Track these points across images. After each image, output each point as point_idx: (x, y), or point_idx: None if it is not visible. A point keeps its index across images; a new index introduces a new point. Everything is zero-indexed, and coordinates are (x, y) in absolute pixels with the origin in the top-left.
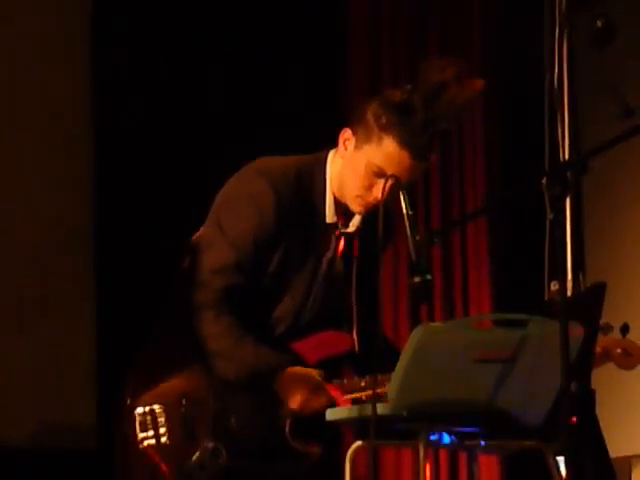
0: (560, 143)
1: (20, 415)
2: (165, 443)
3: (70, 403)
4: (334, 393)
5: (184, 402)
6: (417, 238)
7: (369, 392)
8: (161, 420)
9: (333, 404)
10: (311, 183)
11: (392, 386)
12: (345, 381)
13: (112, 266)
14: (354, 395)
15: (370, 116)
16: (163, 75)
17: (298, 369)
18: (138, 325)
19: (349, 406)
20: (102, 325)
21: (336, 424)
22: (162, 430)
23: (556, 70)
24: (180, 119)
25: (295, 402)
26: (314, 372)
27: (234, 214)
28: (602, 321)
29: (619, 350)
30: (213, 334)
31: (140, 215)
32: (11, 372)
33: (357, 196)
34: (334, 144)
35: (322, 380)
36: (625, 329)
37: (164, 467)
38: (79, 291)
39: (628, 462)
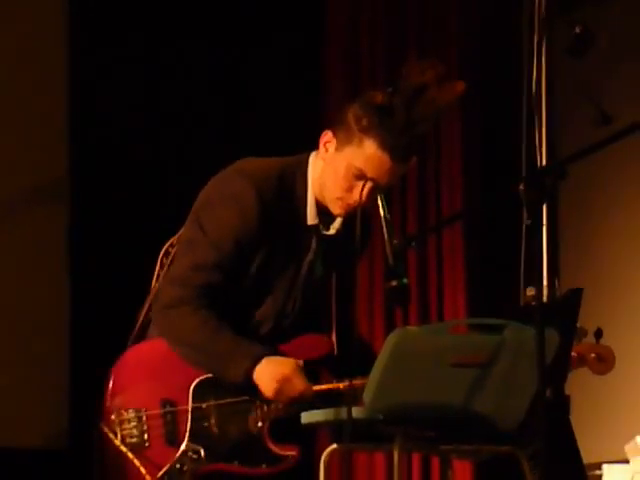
0: (537, 149)
1: None
2: (145, 446)
3: (42, 403)
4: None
5: (165, 406)
6: (394, 242)
7: (346, 383)
8: (142, 423)
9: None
10: (293, 185)
11: (368, 390)
12: (323, 384)
13: (87, 268)
14: (331, 385)
15: (351, 118)
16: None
17: (274, 358)
18: (113, 325)
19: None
20: (76, 324)
21: (312, 427)
22: (143, 434)
23: (534, 75)
24: (160, 120)
25: (269, 390)
26: (291, 360)
27: (215, 214)
28: (577, 325)
29: (593, 355)
30: (190, 327)
31: (118, 218)
32: None
33: (337, 198)
34: (315, 146)
35: (301, 367)
36: (599, 334)
37: (144, 470)
38: (54, 289)
39: (600, 468)
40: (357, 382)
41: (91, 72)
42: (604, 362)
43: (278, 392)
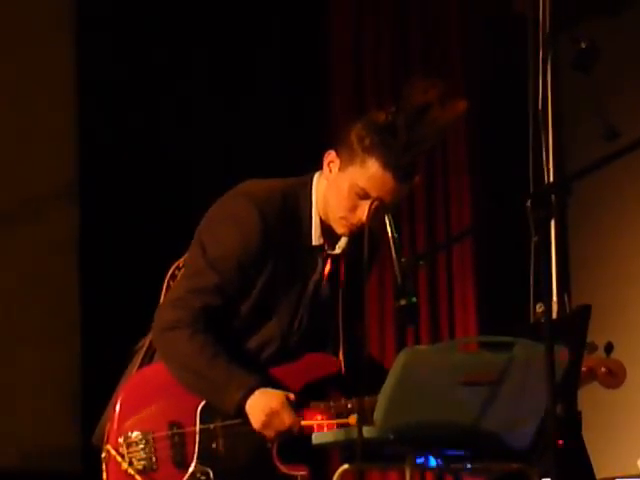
0: (545, 165)
1: (2, 436)
2: (154, 469)
3: (54, 424)
4: (314, 415)
5: (172, 428)
6: (402, 261)
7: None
8: (149, 446)
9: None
10: (297, 205)
11: (378, 409)
12: (332, 403)
13: (97, 286)
14: (340, 421)
15: (354, 138)
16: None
17: (267, 391)
18: (122, 345)
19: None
20: (87, 344)
21: (323, 447)
22: (151, 456)
23: (540, 91)
24: (170, 122)
25: (257, 422)
26: (282, 394)
27: (217, 235)
28: (587, 340)
29: (604, 369)
30: (186, 352)
31: (128, 220)
32: None
33: (341, 217)
34: (319, 166)
35: (291, 401)
36: (609, 348)
37: None
38: (62, 309)
39: None
40: (365, 400)
41: (101, 74)
42: (615, 376)
43: (266, 425)
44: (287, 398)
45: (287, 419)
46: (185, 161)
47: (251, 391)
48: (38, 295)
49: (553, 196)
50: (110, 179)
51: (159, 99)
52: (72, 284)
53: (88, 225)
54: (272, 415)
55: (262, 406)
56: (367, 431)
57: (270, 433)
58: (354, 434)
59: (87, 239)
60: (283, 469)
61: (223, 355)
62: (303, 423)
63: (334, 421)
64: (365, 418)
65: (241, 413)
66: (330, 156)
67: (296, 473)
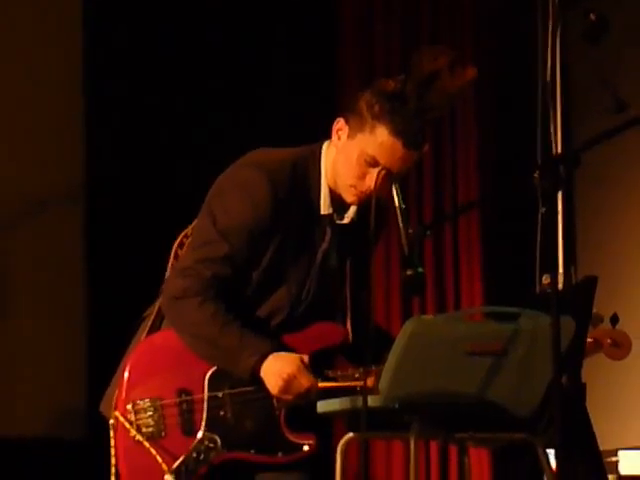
0: (553, 136)
1: (8, 404)
2: (162, 436)
3: (60, 391)
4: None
5: (181, 395)
6: (409, 231)
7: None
8: (158, 413)
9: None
10: (306, 174)
11: (383, 378)
12: (339, 372)
13: (103, 254)
14: (356, 383)
15: (363, 105)
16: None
17: (280, 355)
18: (130, 316)
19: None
20: (92, 312)
21: (328, 416)
22: (159, 423)
23: (549, 63)
24: (174, 114)
25: (275, 387)
26: (296, 357)
27: (227, 205)
28: (593, 312)
29: (609, 340)
30: (198, 320)
31: (133, 211)
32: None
33: (350, 185)
34: (328, 136)
35: (306, 364)
36: (615, 319)
37: (160, 460)
38: (69, 278)
39: (616, 454)
40: (373, 370)
41: (107, 71)
42: (620, 347)
43: (284, 390)
44: (302, 361)
45: (305, 381)
46: (193, 155)
47: (265, 356)
48: (42, 262)
49: (561, 167)
50: (116, 176)
51: (166, 95)
52: (77, 253)
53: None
54: (289, 379)
55: (278, 371)
56: (372, 400)
57: (288, 397)
58: (359, 403)
59: (93, 231)
60: (291, 437)
61: (235, 322)
62: (321, 385)
63: (352, 383)
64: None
65: (255, 379)
66: (339, 124)
67: (304, 442)
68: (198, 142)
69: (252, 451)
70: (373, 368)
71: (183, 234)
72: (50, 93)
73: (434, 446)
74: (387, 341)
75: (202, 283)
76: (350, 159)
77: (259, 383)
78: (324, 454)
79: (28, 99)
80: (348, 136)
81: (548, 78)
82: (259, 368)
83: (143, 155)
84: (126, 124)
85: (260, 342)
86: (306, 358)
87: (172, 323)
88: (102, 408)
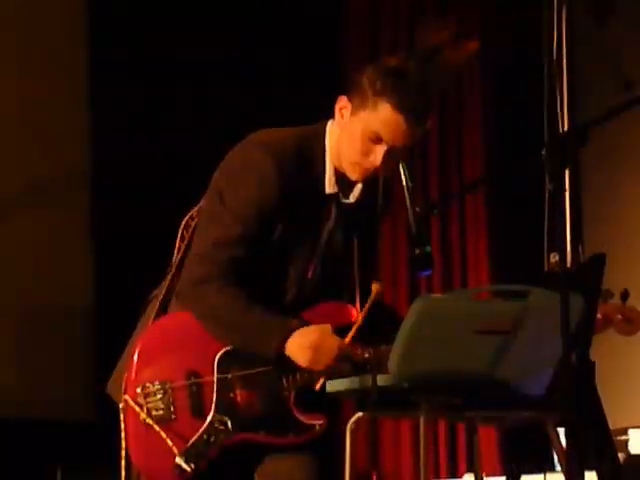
0: (559, 115)
1: (15, 386)
2: (172, 419)
3: (67, 373)
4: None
5: (190, 378)
6: (417, 210)
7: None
8: (167, 396)
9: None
10: (311, 154)
11: (392, 357)
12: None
13: (109, 238)
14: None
15: (365, 82)
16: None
17: (302, 329)
18: (135, 296)
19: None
20: (99, 296)
21: (337, 396)
22: (169, 406)
23: (555, 41)
24: (177, 99)
25: (304, 360)
26: (317, 326)
27: (236, 186)
28: (602, 288)
29: (619, 316)
30: (219, 305)
31: (138, 194)
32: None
33: (354, 163)
34: (332, 115)
35: (328, 329)
36: (625, 295)
37: (170, 443)
38: (75, 259)
39: (626, 433)
40: (382, 349)
41: (112, 60)
42: (631, 323)
43: (314, 359)
44: (324, 327)
45: (333, 343)
46: (198, 139)
47: (290, 333)
48: (53, 243)
49: (568, 144)
50: (122, 162)
51: (171, 81)
52: (86, 228)
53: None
54: (316, 347)
55: (303, 343)
56: (381, 379)
57: (320, 366)
58: (368, 382)
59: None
60: (301, 418)
61: (255, 304)
62: (347, 340)
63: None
64: (380, 366)
65: (282, 357)
66: (342, 101)
67: (314, 422)
68: (201, 123)
69: (263, 432)
70: (383, 347)
71: (189, 216)
72: (54, 80)
73: (442, 425)
74: (395, 321)
75: (220, 267)
76: (354, 136)
77: (285, 362)
78: (332, 436)
79: (32, 86)
80: (351, 114)
81: (554, 56)
82: (284, 347)
83: (148, 137)
84: (131, 108)
85: (282, 322)
86: (328, 326)
87: (193, 310)
88: (109, 390)
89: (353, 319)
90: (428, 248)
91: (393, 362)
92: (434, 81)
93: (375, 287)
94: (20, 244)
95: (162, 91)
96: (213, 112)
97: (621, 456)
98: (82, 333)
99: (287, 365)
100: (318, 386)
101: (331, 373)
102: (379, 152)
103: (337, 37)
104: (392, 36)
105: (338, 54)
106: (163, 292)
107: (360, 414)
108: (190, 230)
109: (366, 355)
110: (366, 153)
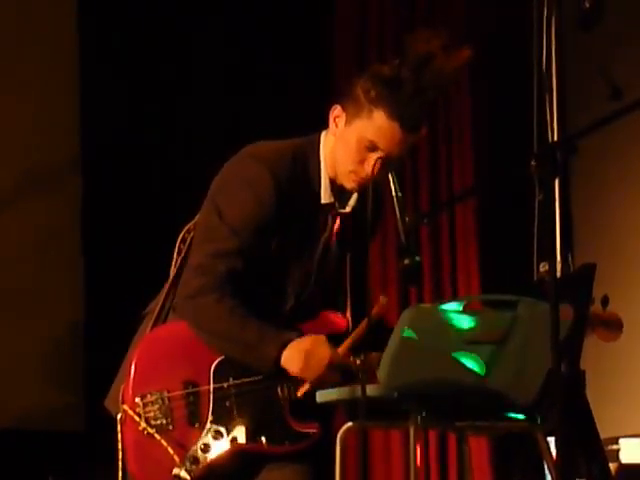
0: (549, 124)
1: (4, 397)
2: (170, 428)
3: (56, 384)
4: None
5: (187, 387)
6: (406, 220)
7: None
8: (165, 405)
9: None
10: (306, 165)
11: (382, 368)
12: None
13: (101, 251)
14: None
15: (359, 91)
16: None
17: (297, 340)
18: (126, 308)
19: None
20: (90, 306)
21: (327, 405)
22: (167, 416)
23: (544, 49)
24: (172, 99)
25: (296, 367)
26: (311, 336)
27: (232, 199)
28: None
29: (600, 322)
30: (216, 316)
31: (131, 199)
32: None
33: (350, 171)
34: (325, 124)
35: (322, 339)
36: (605, 301)
37: (172, 451)
38: (66, 270)
39: (617, 442)
40: (372, 356)
41: (103, 51)
42: (611, 328)
43: (305, 367)
44: (318, 337)
45: (324, 352)
46: (190, 130)
47: (284, 346)
48: (42, 255)
49: (558, 154)
50: (113, 151)
51: (162, 69)
52: (76, 244)
53: (92, 193)
54: (307, 355)
55: (296, 351)
56: (371, 389)
57: (311, 375)
58: (358, 392)
59: (91, 217)
60: (296, 427)
61: (252, 316)
62: (340, 350)
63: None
64: (370, 376)
65: (277, 369)
66: (336, 111)
67: (308, 430)
68: (197, 132)
69: (259, 441)
70: (373, 354)
71: (185, 229)
72: (46, 71)
73: (433, 435)
74: (385, 330)
75: (218, 279)
76: (349, 145)
77: (281, 373)
78: (326, 446)
79: (23, 76)
80: (346, 122)
81: (544, 65)
82: (279, 359)
83: (141, 134)
84: (124, 100)
85: (279, 334)
86: (322, 336)
87: (191, 321)
88: (107, 403)
89: (344, 329)
90: (417, 258)
91: (383, 372)
92: (428, 88)
93: (382, 301)
94: (5, 260)
95: (159, 83)
96: (208, 115)
97: (612, 466)
98: (71, 345)
99: (282, 374)
100: (300, 393)
101: (321, 382)
102: (374, 160)
103: (325, 37)
104: (379, 37)
105: (326, 54)
106: (159, 305)
107: (350, 424)
108: (187, 243)
109: (357, 362)
110: (361, 162)
